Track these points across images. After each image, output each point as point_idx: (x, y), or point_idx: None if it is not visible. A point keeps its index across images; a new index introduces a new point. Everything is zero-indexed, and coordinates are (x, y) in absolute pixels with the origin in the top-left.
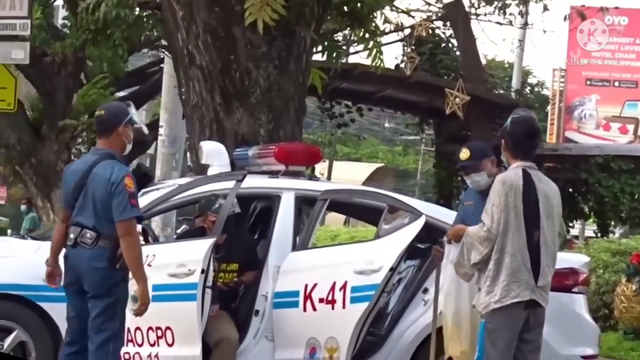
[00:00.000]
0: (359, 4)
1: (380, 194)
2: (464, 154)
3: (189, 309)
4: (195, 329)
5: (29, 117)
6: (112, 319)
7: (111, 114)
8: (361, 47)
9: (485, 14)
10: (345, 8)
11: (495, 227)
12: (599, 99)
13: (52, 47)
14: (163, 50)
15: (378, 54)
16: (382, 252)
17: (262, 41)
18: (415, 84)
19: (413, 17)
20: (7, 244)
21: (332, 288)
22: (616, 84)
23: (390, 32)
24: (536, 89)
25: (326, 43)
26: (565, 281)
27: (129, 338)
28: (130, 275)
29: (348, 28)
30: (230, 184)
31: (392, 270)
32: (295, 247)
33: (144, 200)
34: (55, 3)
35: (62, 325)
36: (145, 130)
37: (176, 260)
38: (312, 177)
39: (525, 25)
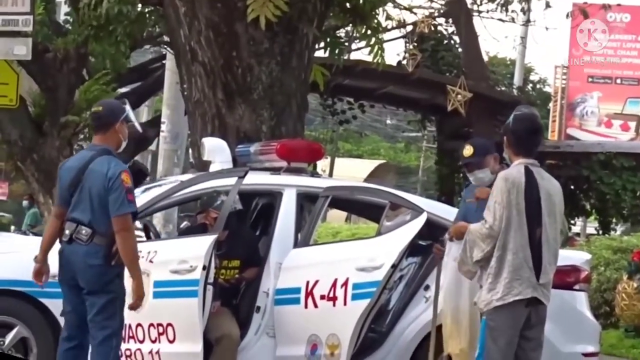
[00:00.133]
0: (361, 1)
1: (382, 191)
2: (468, 150)
3: (190, 305)
4: (197, 325)
5: (31, 113)
6: (113, 315)
7: (108, 110)
8: (363, 43)
9: (487, 11)
10: (348, 5)
11: (498, 224)
12: (601, 96)
13: (54, 43)
14: (165, 46)
15: (380, 51)
16: (383, 249)
17: (265, 37)
18: (417, 81)
19: (415, 13)
20: (9, 240)
21: (334, 285)
22: (618, 81)
23: (393, 28)
24: (538, 86)
25: (328, 40)
26: (566, 278)
27: (130, 334)
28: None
29: (350, 25)
30: (232, 180)
31: (394, 267)
32: (296, 244)
33: (146, 196)
34: None
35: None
36: (140, 128)
37: (178, 256)
38: (314, 173)
39: (527, 22)
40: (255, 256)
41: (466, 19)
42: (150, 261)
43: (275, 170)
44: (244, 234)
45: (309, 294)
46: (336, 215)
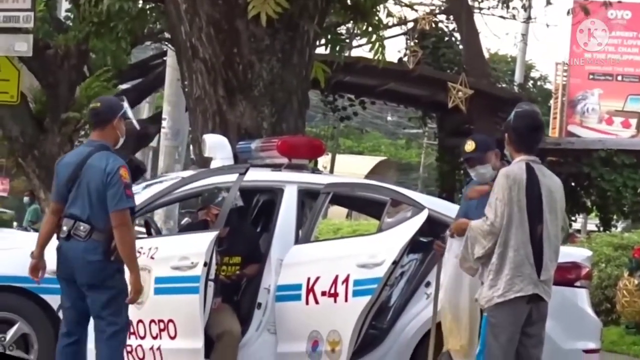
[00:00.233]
0: None
1: (383, 188)
2: (469, 145)
3: (191, 301)
4: (198, 321)
5: (32, 109)
6: (119, 311)
7: (106, 106)
8: (364, 40)
9: (488, 8)
10: (349, 1)
11: (499, 221)
12: (602, 93)
13: (55, 40)
14: (166, 43)
15: (381, 48)
16: (384, 246)
17: (266, 34)
18: (418, 78)
19: (416, 10)
20: (10, 236)
21: (335, 281)
22: (619, 78)
23: (394, 25)
24: (539, 83)
25: (329, 36)
26: (567, 275)
27: (131, 330)
28: None
29: (351, 21)
30: (233, 177)
31: (395, 263)
32: (297, 241)
33: (147, 193)
34: None
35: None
36: (137, 126)
37: (179, 253)
38: (315, 170)
39: (528, 19)
40: (256, 253)
41: (467, 16)
42: (152, 257)
43: (276, 167)
44: (245, 231)
45: (310, 290)
46: (337, 212)
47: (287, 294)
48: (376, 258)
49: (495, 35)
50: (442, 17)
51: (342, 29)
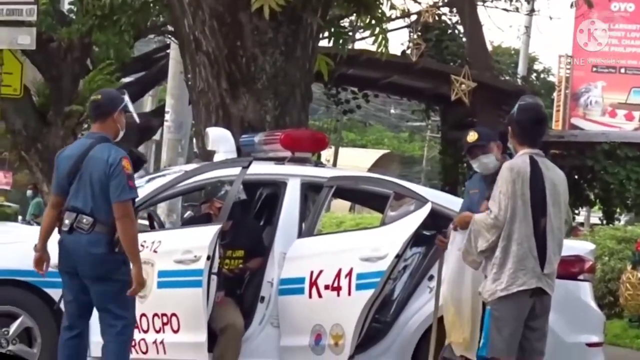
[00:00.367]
0: None
1: (386, 181)
2: (472, 136)
3: (194, 295)
4: (201, 315)
5: (35, 102)
6: (125, 304)
7: (107, 99)
8: (367, 33)
9: (491, 0)
10: None
11: (503, 214)
12: (605, 85)
13: (58, 33)
14: (169, 36)
15: (384, 41)
16: (387, 239)
17: (269, 27)
18: (421, 71)
19: (419, 3)
20: (13, 230)
21: (338, 275)
22: (622, 70)
23: (397, 18)
24: (542, 76)
25: (332, 29)
26: (571, 269)
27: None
28: None
29: (354, 14)
30: (236, 170)
31: (398, 257)
32: (301, 234)
33: (150, 186)
34: None
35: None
36: (137, 119)
37: (182, 246)
38: (318, 163)
39: (531, 12)
40: (259, 246)
41: (470, 8)
42: (155, 251)
43: (280, 160)
44: (248, 224)
45: (313, 284)
46: (340, 205)
47: (290, 288)
48: (379, 251)
49: (499, 27)
50: (446, 9)
51: (345, 22)
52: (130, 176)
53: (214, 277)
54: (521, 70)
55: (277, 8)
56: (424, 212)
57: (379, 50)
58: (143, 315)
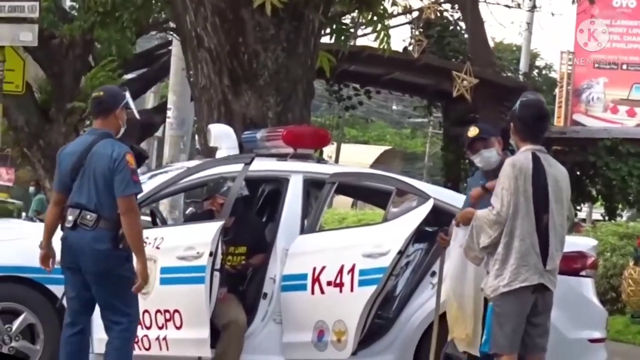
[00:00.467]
0: None
1: (388, 177)
2: (473, 131)
3: (197, 291)
4: (204, 311)
5: (37, 99)
6: (129, 301)
7: (110, 95)
8: (369, 29)
9: None
10: None
11: (505, 210)
12: (607, 81)
13: (60, 30)
14: (171, 32)
15: (386, 37)
16: (390, 235)
17: (271, 23)
18: (423, 67)
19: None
20: (16, 227)
21: (340, 271)
22: (624, 66)
23: (399, 14)
24: (544, 72)
25: (334, 26)
26: (573, 265)
27: None
28: None
29: (356, 11)
30: (238, 166)
31: (400, 253)
32: (303, 230)
33: (153, 183)
34: None
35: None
36: (137, 115)
37: (185, 243)
38: (320, 159)
39: (533, 8)
40: (261, 242)
41: (472, 4)
42: (157, 247)
43: (282, 157)
44: (250, 221)
45: (316, 280)
46: (342, 202)
47: (292, 284)
48: (382, 248)
49: (500, 24)
50: (447, 6)
51: (347, 18)
52: (134, 171)
53: (217, 274)
54: (523, 66)
55: (279, 5)
56: (426, 209)
57: (381, 46)
58: (146, 311)
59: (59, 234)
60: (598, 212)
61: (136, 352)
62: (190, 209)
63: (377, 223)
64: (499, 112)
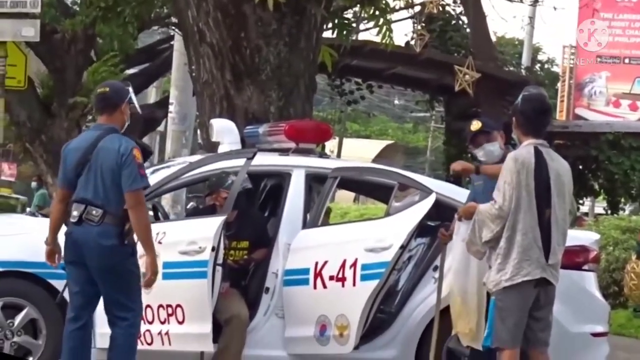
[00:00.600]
0: None
1: (391, 172)
2: (475, 125)
3: (199, 286)
4: (206, 306)
5: (39, 94)
6: (133, 296)
7: (114, 91)
8: (371, 24)
9: None
10: None
11: (507, 204)
12: (609, 76)
13: (62, 25)
14: (173, 27)
15: (388, 31)
16: (392, 230)
17: (273, 18)
18: (425, 61)
19: None
20: (18, 222)
21: (343, 266)
22: (626, 60)
23: (401, 9)
24: (546, 66)
25: (336, 20)
26: (575, 259)
27: None
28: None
29: (358, 5)
30: (240, 161)
31: (403, 248)
32: (305, 225)
33: (155, 178)
34: None
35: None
36: (140, 110)
37: (187, 237)
38: (323, 154)
39: (535, 2)
40: (264, 237)
41: None
42: (159, 242)
43: (284, 151)
44: (252, 215)
45: (318, 274)
46: (344, 196)
47: (295, 279)
48: (384, 242)
49: (503, 18)
50: (450, 0)
51: (349, 13)
52: (141, 165)
53: (219, 268)
54: (525, 60)
55: None
56: (428, 203)
57: (383, 41)
58: (148, 306)
59: (63, 229)
60: (600, 206)
61: (139, 347)
62: (191, 203)
63: (380, 217)
64: (501, 107)
